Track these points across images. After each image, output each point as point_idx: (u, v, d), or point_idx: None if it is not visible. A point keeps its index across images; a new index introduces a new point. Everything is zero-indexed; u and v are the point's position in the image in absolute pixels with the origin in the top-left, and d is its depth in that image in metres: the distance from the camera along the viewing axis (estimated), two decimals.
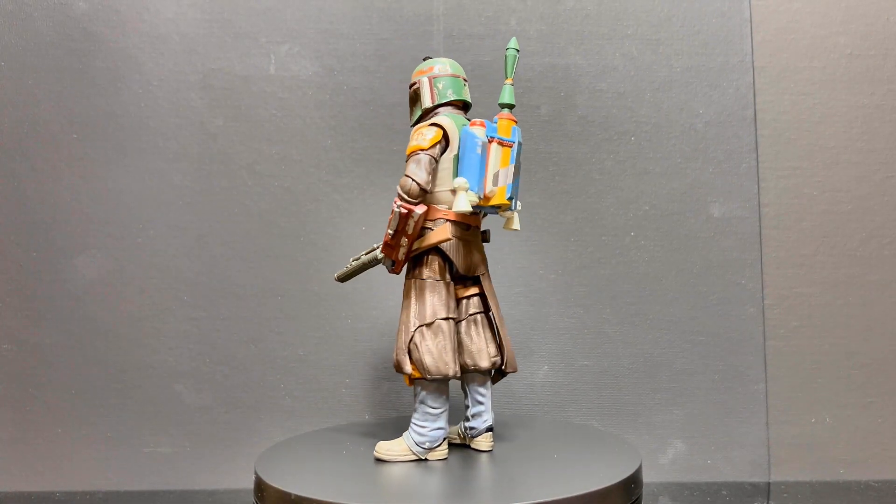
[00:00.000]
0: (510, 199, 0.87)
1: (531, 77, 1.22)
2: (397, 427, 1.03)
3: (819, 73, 1.24)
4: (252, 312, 1.21)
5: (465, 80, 0.95)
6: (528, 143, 1.21)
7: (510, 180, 0.87)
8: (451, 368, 0.88)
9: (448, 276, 0.91)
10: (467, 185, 0.86)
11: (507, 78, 0.91)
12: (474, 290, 0.94)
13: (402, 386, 1.20)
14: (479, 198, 0.87)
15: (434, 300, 0.90)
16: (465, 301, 0.93)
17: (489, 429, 0.93)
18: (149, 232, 1.21)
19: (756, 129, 1.23)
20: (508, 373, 0.94)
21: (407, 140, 0.93)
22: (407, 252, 0.90)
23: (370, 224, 1.21)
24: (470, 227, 0.92)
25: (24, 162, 1.21)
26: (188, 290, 1.21)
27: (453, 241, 0.90)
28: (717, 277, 1.22)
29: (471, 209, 0.86)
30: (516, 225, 0.92)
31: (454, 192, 0.87)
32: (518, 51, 0.92)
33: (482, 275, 0.93)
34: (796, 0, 1.24)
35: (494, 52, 1.23)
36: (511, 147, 0.88)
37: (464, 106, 0.95)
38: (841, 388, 1.22)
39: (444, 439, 0.91)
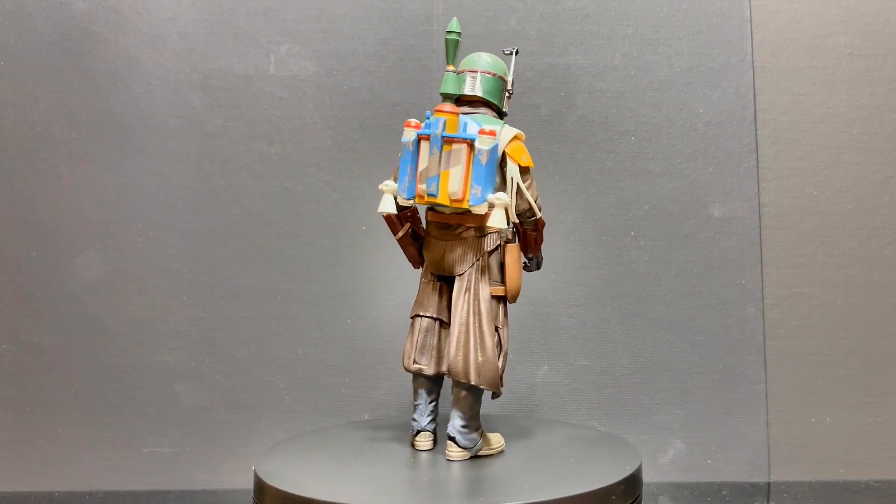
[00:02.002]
0: (430, 195, 0.86)
1: (531, 77, 1.22)
2: (397, 427, 1.03)
3: (819, 73, 1.24)
4: (252, 312, 1.21)
5: (458, 71, 0.91)
6: (528, 142, 1.21)
7: (431, 175, 0.86)
8: (409, 364, 0.92)
9: (430, 275, 0.93)
10: (387, 188, 0.89)
11: (448, 65, 0.89)
12: None
13: (402, 386, 1.20)
14: (407, 198, 0.88)
15: (416, 297, 0.94)
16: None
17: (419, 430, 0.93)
18: (148, 232, 1.21)
19: (756, 129, 1.23)
20: (471, 384, 0.88)
21: None
22: (409, 251, 0.95)
23: (370, 224, 1.21)
24: (450, 226, 0.89)
25: (23, 162, 1.21)
26: (188, 290, 1.21)
27: (424, 239, 0.93)
28: (717, 277, 1.22)
29: (390, 210, 0.89)
30: (491, 221, 0.85)
31: None
32: (459, 34, 0.89)
33: (459, 276, 0.90)
34: (796, 0, 1.24)
35: (495, 52, 1.22)
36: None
37: (467, 100, 0.92)
38: (841, 389, 1.22)
39: (419, 432, 0.93)
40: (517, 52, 0.97)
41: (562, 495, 0.77)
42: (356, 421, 1.18)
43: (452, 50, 0.89)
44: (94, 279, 1.20)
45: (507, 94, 0.95)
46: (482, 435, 0.91)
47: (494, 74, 0.93)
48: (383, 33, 1.22)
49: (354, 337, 1.21)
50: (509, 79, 0.94)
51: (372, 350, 1.21)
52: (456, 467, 0.87)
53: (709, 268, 1.22)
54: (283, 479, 0.83)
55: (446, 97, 0.89)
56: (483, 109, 0.92)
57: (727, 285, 1.22)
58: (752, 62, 1.23)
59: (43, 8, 1.21)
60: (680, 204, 1.23)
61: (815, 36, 1.24)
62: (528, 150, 0.91)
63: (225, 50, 1.22)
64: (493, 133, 0.86)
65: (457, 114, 0.88)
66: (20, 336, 1.20)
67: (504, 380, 0.91)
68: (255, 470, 0.87)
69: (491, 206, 0.86)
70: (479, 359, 0.87)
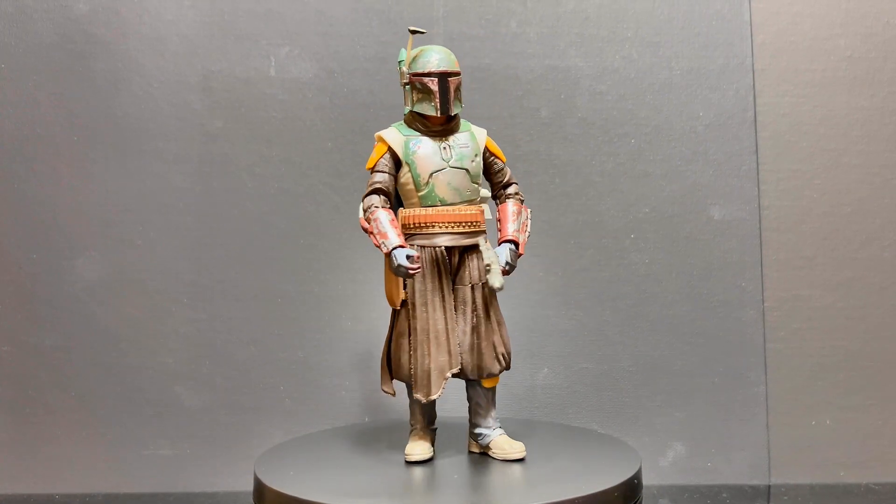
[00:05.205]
0: None
1: (531, 79, 1.22)
2: (398, 428, 1.03)
3: (819, 75, 1.24)
4: (252, 314, 1.21)
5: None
6: (528, 145, 1.21)
7: None
8: None
9: None
10: None
11: None
12: None
13: (401, 388, 1.19)
14: None
15: None
16: None
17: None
18: (149, 234, 1.21)
19: (756, 132, 1.23)
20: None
21: None
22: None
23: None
24: None
25: (24, 164, 1.21)
26: (188, 292, 1.21)
27: None
28: (717, 280, 1.22)
29: None
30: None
31: None
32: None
33: None
34: (796, 2, 1.24)
35: (494, 55, 1.23)
36: None
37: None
38: (841, 391, 1.22)
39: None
40: (413, 33, 0.88)
41: (561, 498, 0.77)
42: (356, 423, 1.18)
43: None
44: (95, 281, 1.20)
45: (404, 85, 0.88)
46: (410, 435, 0.92)
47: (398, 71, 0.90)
48: (384, 36, 1.22)
49: (355, 339, 1.21)
50: (403, 69, 0.87)
51: (372, 352, 1.21)
52: (455, 469, 0.87)
53: (709, 270, 1.22)
54: (283, 481, 0.83)
55: None
56: None
57: (727, 287, 1.22)
58: (752, 64, 1.23)
59: (43, 10, 1.21)
60: (680, 206, 1.23)
61: (815, 38, 1.24)
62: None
63: (225, 52, 1.22)
64: None
65: None
66: (21, 338, 1.20)
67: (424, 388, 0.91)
68: (255, 472, 0.87)
69: None
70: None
